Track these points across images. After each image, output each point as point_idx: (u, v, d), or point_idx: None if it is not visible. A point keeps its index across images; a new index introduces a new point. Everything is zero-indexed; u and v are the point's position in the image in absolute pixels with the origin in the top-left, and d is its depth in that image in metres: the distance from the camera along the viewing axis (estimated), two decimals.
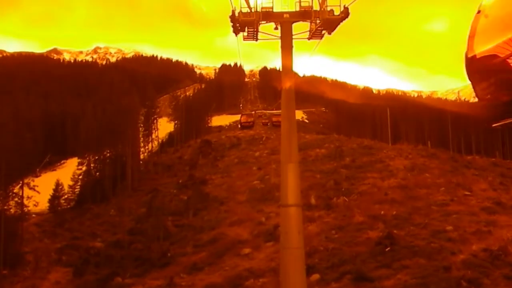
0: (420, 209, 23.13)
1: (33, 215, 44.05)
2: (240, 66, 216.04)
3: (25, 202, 32.72)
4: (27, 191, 33.24)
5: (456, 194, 25.28)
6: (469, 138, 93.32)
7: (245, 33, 11.10)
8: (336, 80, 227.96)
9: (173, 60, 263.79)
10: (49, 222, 38.90)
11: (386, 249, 17.94)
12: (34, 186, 33.20)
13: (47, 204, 46.64)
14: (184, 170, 56.10)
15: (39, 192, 33.58)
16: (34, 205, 33.28)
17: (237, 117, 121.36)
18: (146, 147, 72.55)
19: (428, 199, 24.58)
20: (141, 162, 68.56)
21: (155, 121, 75.01)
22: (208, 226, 28.03)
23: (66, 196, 47.49)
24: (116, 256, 25.81)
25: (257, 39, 11.24)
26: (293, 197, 9.74)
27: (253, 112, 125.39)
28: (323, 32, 10.81)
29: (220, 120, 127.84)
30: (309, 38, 11.09)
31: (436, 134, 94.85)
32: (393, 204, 24.42)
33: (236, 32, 10.79)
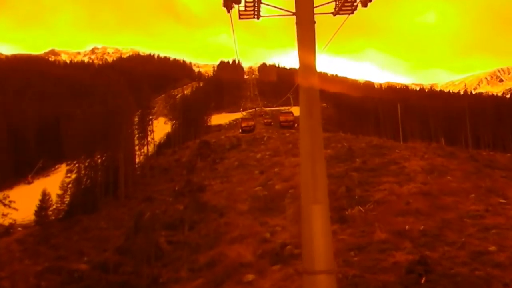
0: (451, 222, 19.74)
1: (19, 228, 41.03)
2: (239, 62, 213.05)
3: (0, 220, 29.53)
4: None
5: (489, 202, 21.91)
6: (478, 131, 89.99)
7: (242, 6, 7.64)
8: (336, 75, 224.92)
9: (171, 59, 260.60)
10: (34, 237, 35.70)
11: (422, 280, 14.58)
12: (10, 201, 29.99)
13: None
14: (182, 174, 53.12)
15: (16, 209, 30.35)
16: (11, 223, 30.11)
17: (236, 115, 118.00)
18: (142, 150, 69.36)
19: (458, 210, 21.20)
20: (137, 165, 65.55)
21: (150, 122, 71.82)
22: (206, 244, 24.75)
23: (54, 207, 44.30)
24: (100, 282, 22.59)
25: (258, 16, 7.71)
26: (323, 260, 6.23)
27: (253, 110, 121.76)
28: (357, 2, 7.42)
29: (219, 119, 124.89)
30: (335, 13, 7.64)
31: (444, 128, 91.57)
32: (418, 216, 21.04)
33: (228, 5, 7.36)
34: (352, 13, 7.48)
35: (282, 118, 70.04)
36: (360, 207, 24.33)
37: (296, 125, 56.62)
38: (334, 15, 7.55)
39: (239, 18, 7.65)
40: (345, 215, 23.56)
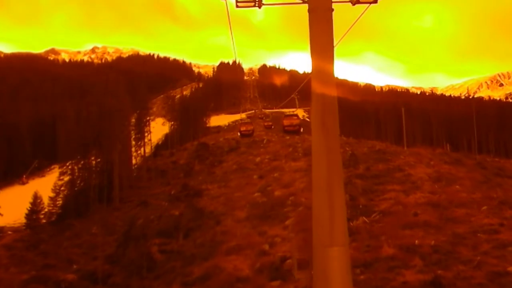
0: (464, 237, 18.40)
1: (9, 232, 39.67)
2: (239, 64, 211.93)
3: None
4: None
5: (503, 215, 20.59)
6: (481, 136, 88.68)
7: None
8: (336, 78, 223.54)
9: (171, 59, 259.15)
10: (23, 242, 34.25)
11: None
12: None
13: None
14: (179, 177, 51.72)
15: (1, 214, 28.97)
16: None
17: (236, 117, 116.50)
18: (139, 151, 67.91)
19: (471, 223, 19.87)
20: (134, 167, 64.16)
21: (148, 123, 70.40)
22: (201, 254, 23.35)
23: (46, 210, 42.82)
24: None
25: (260, 4, 6.25)
26: None
27: (253, 112, 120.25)
28: None
29: (218, 120, 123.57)
30: (354, 2, 6.16)
31: (446, 133, 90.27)
32: (428, 230, 19.70)
33: None
34: (376, 1, 6.09)
35: (286, 122, 63.80)
36: (364, 218, 22.97)
37: (302, 129, 53.77)
38: (353, 4, 6.13)
39: (236, 6, 6.20)
40: (349, 226, 22.24)
